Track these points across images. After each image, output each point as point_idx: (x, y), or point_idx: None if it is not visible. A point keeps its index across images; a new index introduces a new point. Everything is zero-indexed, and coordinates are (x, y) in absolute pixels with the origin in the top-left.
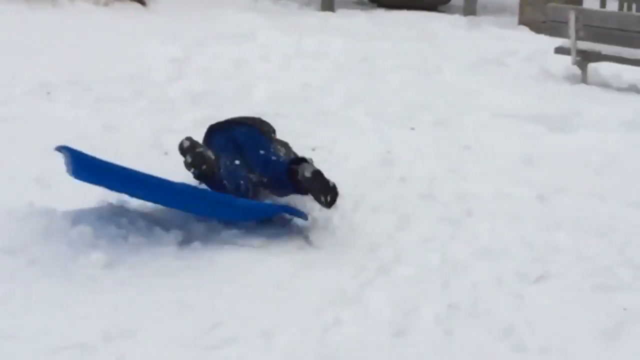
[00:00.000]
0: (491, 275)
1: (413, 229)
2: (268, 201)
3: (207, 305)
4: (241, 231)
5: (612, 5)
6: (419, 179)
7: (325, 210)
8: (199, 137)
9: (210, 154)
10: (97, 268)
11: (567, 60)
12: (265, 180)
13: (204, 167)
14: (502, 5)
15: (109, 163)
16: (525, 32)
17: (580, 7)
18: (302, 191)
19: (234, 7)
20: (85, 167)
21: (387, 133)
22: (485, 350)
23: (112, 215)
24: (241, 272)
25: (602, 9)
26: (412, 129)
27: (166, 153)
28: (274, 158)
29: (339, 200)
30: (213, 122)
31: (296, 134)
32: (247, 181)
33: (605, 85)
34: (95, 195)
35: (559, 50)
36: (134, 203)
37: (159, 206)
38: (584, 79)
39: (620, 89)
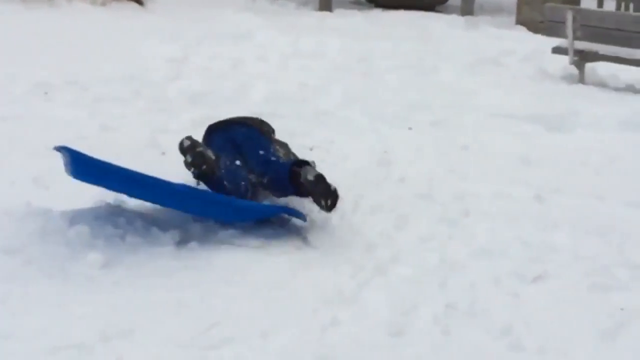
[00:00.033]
0: (489, 275)
1: (411, 229)
2: (266, 202)
3: (204, 305)
4: (238, 231)
5: (610, 5)
6: (417, 179)
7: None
8: (198, 137)
9: (210, 153)
10: (94, 268)
11: (564, 60)
12: (265, 180)
13: (204, 167)
14: (500, 5)
15: (109, 163)
16: (522, 32)
17: (578, 7)
18: (303, 194)
19: (231, 7)
20: (84, 167)
21: (385, 133)
22: (482, 350)
23: (110, 215)
24: (238, 272)
25: (600, 9)
26: (410, 129)
27: (164, 153)
28: (273, 159)
29: None
30: (211, 122)
31: (294, 134)
32: (247, 182)
33: (602, 85)
34: (93, 195)
35: (557, 50)
36: (132, 203)
37: (156, 206)
38: (581, 79)
39: (617, 89)
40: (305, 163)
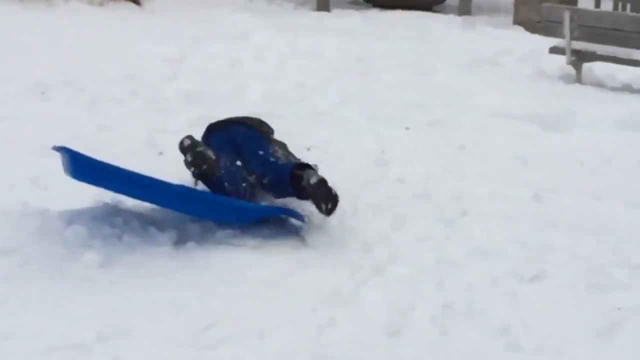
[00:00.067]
0: (486, 275)
1: (408, 228)
2: (265, 203)
3: (202, 305)
4: (236, 231)
5: (607, 5)
6: (414, 179)
7: None
8: (196, 137)
9: (210, 153)
10: (91, 268)
11: (561, 60)
12: (265, 181)
13: (205, 166)
14: (497, 5)
15: (107, 164)
16: (519, 32)
17: (575, 7)
18: (303, 196)
19: (229, 7)
20: (83, 167)
21: (382, 133)
22: (480, 350)
23: (107, 215)
24: (236, 272)
25: (597, 9)
26: (407, 128)
27: (161, 153)
28: (272, 159)
29: None
30: (208, 122)
31: (291, 133)
32: (247, 183)
33: (599, 85)
34: (90, 195)
35: (554, 50)
36: (129, 203)
37: (154, 206)
38: (578, 79)
39: (614, 89)
40: (307, 166)
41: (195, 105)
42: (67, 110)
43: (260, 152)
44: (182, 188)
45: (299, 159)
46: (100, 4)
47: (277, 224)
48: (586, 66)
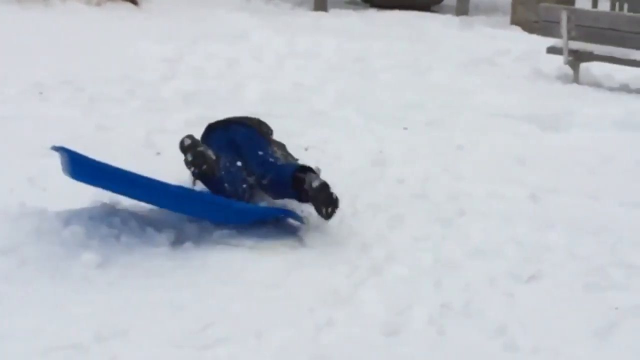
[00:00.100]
0: (484, 274)
1: (406, 228)
2: (263, 203)
3: (199, 305)
4: (233, 231)
5: (604, 5)
6: (412, 179)
7: None
8: (195, 137)
9: (211, 153)
10: (89, 268)
11: (559, 60)
12: (264, 182)
13: (205, 166)
14: (495, 5)
15: (105, 164)
16: (517, 32)
17: (572, 7)
18: (303, 199)
19: (226, 7)
20: (81, 167)
21: (380, 133)
22: (477, 349)
23: (104, 216)
24: (233, 272)
25: (594, 9)
26: (405, 128)
27: (159, 153)
28: (271, 160)
29: None
30: (206, 121)
31: (289, 133)
32: (247, 185)
33: (597, 85)
34: (88, 195)
35: (551, 50)
36: (126, 203)
37: (151, 206)
38: (576, 79)
39: (612, 89)
40: (308, 169)
41: (193, 105)
42: (65, 110)
43: (260, 153)
44: (179, 188)
45: (298, 160)
46: (98, 4)
47: (274, 224)
48: (584, 66)
